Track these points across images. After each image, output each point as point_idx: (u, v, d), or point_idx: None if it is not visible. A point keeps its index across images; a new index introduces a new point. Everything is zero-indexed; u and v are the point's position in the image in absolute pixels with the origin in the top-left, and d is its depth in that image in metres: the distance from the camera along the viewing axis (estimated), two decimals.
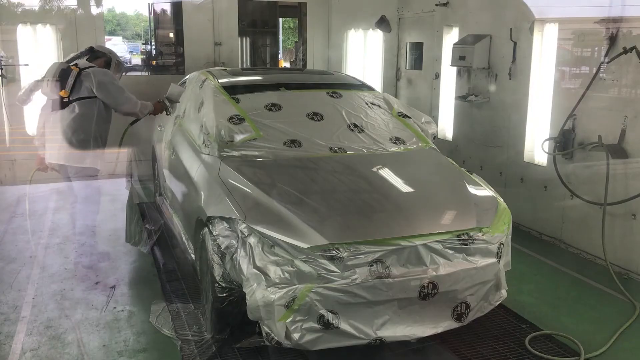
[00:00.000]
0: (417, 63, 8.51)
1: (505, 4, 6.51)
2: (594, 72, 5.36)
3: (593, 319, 4.47)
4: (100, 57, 5.63)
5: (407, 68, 8.78)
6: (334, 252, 3.36)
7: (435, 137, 5.20)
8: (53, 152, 5.33)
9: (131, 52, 31.21)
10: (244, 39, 14.54)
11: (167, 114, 5.70)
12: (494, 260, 3.76)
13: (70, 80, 5.22)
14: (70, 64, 5.38)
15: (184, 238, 4.90)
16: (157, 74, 14.06)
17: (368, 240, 3.45)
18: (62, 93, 5.22)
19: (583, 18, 5.76)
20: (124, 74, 6.04)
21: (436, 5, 7.64)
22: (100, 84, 5.22)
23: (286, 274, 3.35)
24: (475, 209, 3.93)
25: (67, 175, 5.35)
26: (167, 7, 14.47)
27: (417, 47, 8.50)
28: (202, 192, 4.15)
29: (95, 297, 4.65)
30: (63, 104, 5.24)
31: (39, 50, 8.15)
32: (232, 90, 5.07)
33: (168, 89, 5.65)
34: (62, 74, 5.25)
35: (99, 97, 5.23)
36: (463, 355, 3.84)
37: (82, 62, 5.44)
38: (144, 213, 6.69)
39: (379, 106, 5.22)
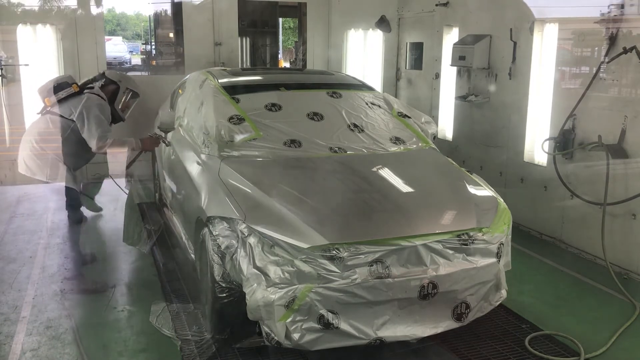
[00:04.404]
0: (417, 63, 8.51)
1: (505, 4, 6.51)
2: (594, 72, 5.36)
3: (593, 319, 4.47)
4: (110, 85, 5.55)
5: (407, 68, 8.78)
6: (334, 252, 3.36)
7: (435, 137, 5.20)
8: (20, 159, 5.38)
9: (131, 52, 31.23)
10: (244, 39, 14.54)
11: (166, 145, 5.33)
12: (494, 260, 3.76)
13: (61, 94, 5.16)
14: (75, 82, 5.34)
15: (184, 238, 4.90)
16: (157, 74, 14.07)
17: (368, 240, 3.45)
18: (46, 101, 5.22)
19: (583, 18, 5.76)
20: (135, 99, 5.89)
21: (436, 5, 7.64)
22: (82, 111, 5.08)
23: (286, 274, 3.35)
24: (475, 209, 3.92)
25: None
26: (167, 7, 14.47)
27: (417, 47, 8.50)
28: (202, 192, 4.15)
29: (95, 297, 4.65)
30: (43, 112, 5.27)
31: (39, 50, 8.15)
32: (232, 90, 5.07)
33: (160, 119, 5.31)
34: (60, 85, 5.22)
35: (78, 120, 5.08)
36: (463, 355, 3.85)
37: (96, 87, 5.41)
38: (144, 213, 6.69)
39: (379, 106, 5.22)
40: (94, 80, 5.56)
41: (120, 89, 5.55)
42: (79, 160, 5.38)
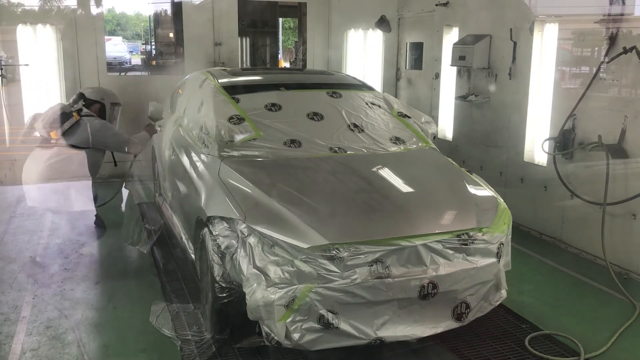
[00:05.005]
0: (417, 63, 8.51)
1: (505, 4, 6.51)
2: (594, 72, 5.36)
3: (593, 319, 4.47)
4: (95, 104, 5.67)
5: (407, 68, 8.78)
6: (334, 252, 3.36)
7: (435, 137, 5.20)
8: (31, 193, 5.47)
9: (131, 52, 31.21)
10: (244, 39, 14.53)
11: (156, 132, 6.00)
12: (494, 260, 3.76)
13: (66, 126, 5.31)
14: (72, 110, 5.44)
15: (184, 238, 4.90)
16: (157, 74, 14.07)
17: (368, 240, 3.45)
18: (53, 134, 5.32)
19: (583, 18, 5.76)
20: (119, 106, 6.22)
21: (436, 5, 7.64)
22: (97, 137, 5.46)
23: (286, 274, 3.35)
24: (475, 209, 3.92)
25: None
26: (167, 7, 14.49)
27: (417, 47, 8.50)
28: (202, 192, 4.15)
29: (95, 297, 4.66)
30: (49, 145, 5.32)
31: (39, 50, 8.15)
32: (232, 90, 5.07)
33: (150, 109, 5.99)
34: (62, 116, 5.32)
35: (97, 147, 5.48)
36: (463, 355, 3.85)
37: (84, 109, 5.55)
38: (144, 213, 6.69)
39: (379, 106, 5.22)
40: (74, 102, 5.63)
41: (105, 105, 5.69)
42: (95, 173, 5.67)
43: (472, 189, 4.22)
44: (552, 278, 5.26)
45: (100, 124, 5.54)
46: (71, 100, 5.82)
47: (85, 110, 5.59)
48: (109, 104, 5.81)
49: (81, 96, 5.74)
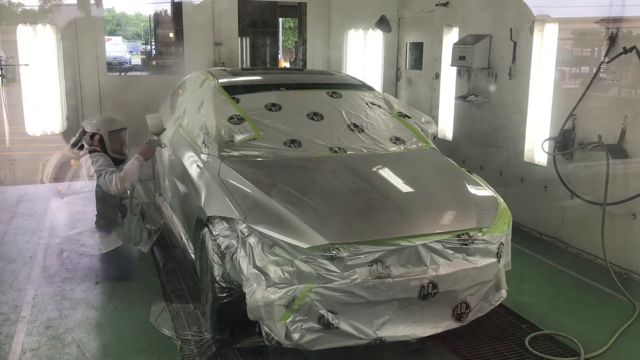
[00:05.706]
0: (417, 63, 8.52)
1: (505, 4, 6.51)
2: (594, 72, 5.36)
3: (593, 319, 4.47)
4: (95, 135, 5.28)
5: (407, 68, 8.78)
6: (334, 252, 3.36)
7: (435, 137, 5.20)
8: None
9: (131, 52, 31.21)
10: (244, 39, 14.54)
11: (162, 147, 5.23)
12: (494, 260, 3.76)
13: (69, 175, 5.18)
14: (74, 150, 5.16)
15: (184, 238, 4.90)
16: (157, 74, 14.07)
17: (368, 240, 3.45)
18: (60, 189, 5.23)
19: (583, 18, 5.76)
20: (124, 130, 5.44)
21: (436, 5, 7.65)
22: (93, 177, 4.94)
23: (286, 274, 3.35)
24: (475, 209, 3.92)
25: None
26: (167, 7, 14.49)
27: (417, 47, 8.51)
28: (202, 192, 4.15)
29: (95, 297, 4.65)
30: (63, 195, 5.27)
31: (39, 50, 8.15)
32: (232, 90, 5.07)
33: (148, 124, 5.10)
34: (62, 167, 5.22)
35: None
36: (463, 355, 3.85)
37: (86, 144, 5.16)
38: (144, 213, 6.69)
39: (379, 106, 5.22)
40: (80, 139, 5.25)
41: (103, 136, 5.16)
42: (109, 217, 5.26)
43: (472, 189, 4.22)
44: (552, 278, 5.26)
45: (88, 163, 5.03)
46: (77, 135, 5.32)
47: (86, 146, 5.13)
48: (107, 133, 5.16)
49: (83, 131, 5.21)
